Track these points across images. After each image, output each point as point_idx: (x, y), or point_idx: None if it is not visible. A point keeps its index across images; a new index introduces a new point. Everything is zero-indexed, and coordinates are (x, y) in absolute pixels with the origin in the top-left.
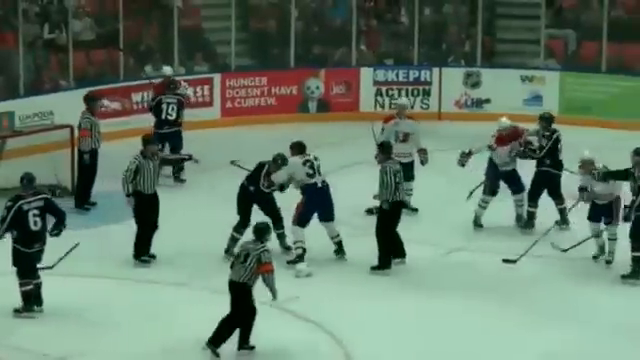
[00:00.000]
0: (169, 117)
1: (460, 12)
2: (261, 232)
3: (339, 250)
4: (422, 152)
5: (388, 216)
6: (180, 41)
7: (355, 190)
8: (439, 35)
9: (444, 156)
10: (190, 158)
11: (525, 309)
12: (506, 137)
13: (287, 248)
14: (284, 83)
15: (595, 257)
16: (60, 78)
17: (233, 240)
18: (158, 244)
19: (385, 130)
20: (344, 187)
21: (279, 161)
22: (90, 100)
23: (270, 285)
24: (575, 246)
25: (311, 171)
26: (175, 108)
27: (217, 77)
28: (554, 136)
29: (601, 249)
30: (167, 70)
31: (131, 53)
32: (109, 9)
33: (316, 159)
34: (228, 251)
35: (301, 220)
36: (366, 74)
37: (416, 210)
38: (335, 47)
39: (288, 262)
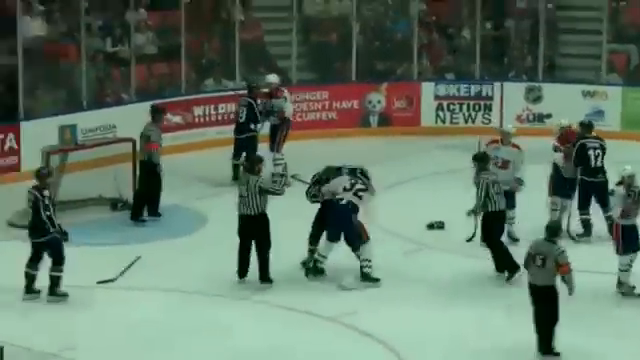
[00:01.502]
0: (239, 120)
1: (522, 26)
2: (554, 232)
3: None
4: (516, 180)
5: (488, 227)
6: (241, 55)
7: (415, 205)
8: (501, 49)
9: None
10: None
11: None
12: (565, 137)
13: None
14: (345, 97)
15: None
16: (122, 91)
17: (311, 252)
18: (219, 258)
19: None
20: (404, 201)
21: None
22: (156, 112)
23: (570, 283)
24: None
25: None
26: (245, 110)
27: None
28: (577, 144)
29: None
30: (271, 78)
31: (192, 66)
32: (171, 23)
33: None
34: (306, 264)
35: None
36: (427, 88)
37: (517, 240)
38: (396, 61)
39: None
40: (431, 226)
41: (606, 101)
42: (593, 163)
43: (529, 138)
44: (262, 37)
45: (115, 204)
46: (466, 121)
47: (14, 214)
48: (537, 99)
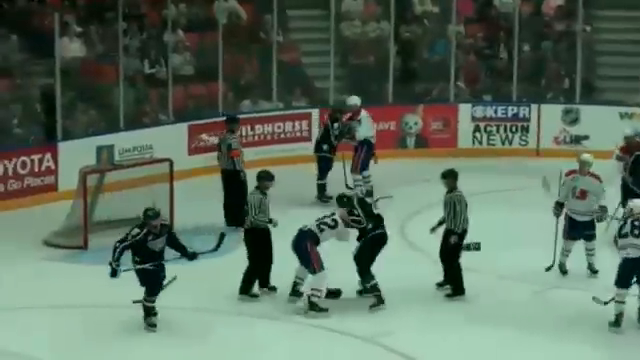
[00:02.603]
0: (317, 138)
1: (559, 48)
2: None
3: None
4: (601, 209)
5: (452, 245)
6: (279, 76)
7: None
8: (538, 71)
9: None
10: None
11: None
12: (628, 147)
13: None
14: (382, 119)
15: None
16: (160, 112)
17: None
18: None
19: (564, 183)
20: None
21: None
22: (233, 121)
23: None
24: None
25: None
26: (321, 131)
27: (315, 112)
28: (634, 155)
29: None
30: (351, 100)
31: (230, 88)
32: (209, 43)
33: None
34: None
35: None
36: (464, 110)
37: (597, 272)
38: (434, 83)
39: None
40: (467, 247)
41: None
42: None
43: (566, 160)
44: (300, 59)
45: None
46: (503, 143)
47: (50, 233)
48: (574, 121)
